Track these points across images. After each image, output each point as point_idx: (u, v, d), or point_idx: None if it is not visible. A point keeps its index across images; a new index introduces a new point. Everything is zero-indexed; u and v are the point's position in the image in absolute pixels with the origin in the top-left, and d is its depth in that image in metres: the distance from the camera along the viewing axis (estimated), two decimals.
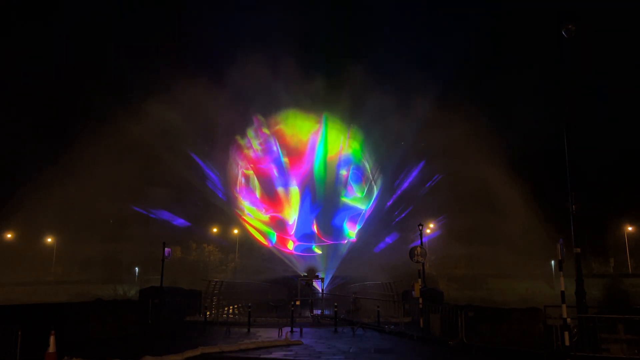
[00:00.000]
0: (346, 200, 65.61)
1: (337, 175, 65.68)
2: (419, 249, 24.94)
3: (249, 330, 22.13)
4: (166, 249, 26.13)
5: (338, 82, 64.17)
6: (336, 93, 64.00)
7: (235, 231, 66.91)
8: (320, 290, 38.54)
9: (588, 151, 57.61)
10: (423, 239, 27.31)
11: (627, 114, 67.61)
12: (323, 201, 64.17)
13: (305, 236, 63.57)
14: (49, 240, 68.25)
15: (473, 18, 74.58)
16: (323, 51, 68.72)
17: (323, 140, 65.47)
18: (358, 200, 66.17)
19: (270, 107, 65.57)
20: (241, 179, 65.82)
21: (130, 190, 58.37)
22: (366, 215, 65.86)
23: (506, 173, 57.02)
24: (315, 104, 64.59)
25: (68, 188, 56.03)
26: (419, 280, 23.98)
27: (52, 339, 12.98)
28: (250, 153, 66.00)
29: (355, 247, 63.79)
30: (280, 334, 19.75)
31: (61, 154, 57.10)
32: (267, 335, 20.16)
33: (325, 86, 63.24)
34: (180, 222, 62.08)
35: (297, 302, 30.03)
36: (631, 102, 68.20)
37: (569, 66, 17.02)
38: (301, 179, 64.57)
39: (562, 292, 14.42)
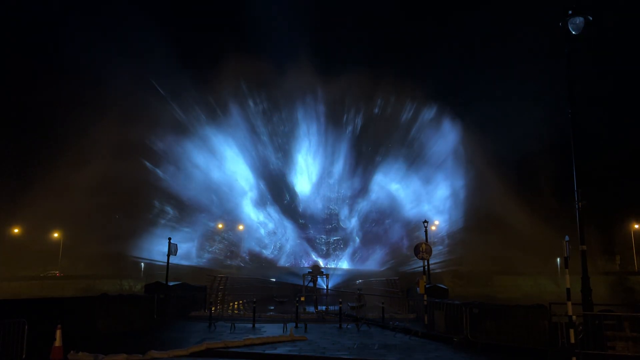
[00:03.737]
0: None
1: None
2: (424, 245, 24.91)
3: (253, 325, 22.17)
4: (172, 245, 26.27)
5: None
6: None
7: (241, 227, 67.09)
8: (325, 287, 38.65)
9: (595, 148, 57.41)
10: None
11: (635, 111, 67.23)
12: None
13: None
14: (56, 235, 68.65)
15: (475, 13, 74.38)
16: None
17: None
18: None
19: None
20: None
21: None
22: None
23: (512, 170, 56.95)
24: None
25: (73, 184, 56.40)
26: (424, 276, 23.99)
27: (58, 333, 13.07)
28: None
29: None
30: (285, 329, 19.79)
31: (66, 151, 57.54)
32: (272, 330, 20.22)
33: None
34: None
35: (302, 298, 30.12)
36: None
37: (575, 62, 16.88)
38: None
39: (568, 290, 14.35)
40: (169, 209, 61.63)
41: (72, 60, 65.17)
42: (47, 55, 71.18)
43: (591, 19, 15.53)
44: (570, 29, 15.79)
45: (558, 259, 53.53)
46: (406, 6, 77.08)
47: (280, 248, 66.79)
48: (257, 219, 67.39)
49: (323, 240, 67.61)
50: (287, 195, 68.63)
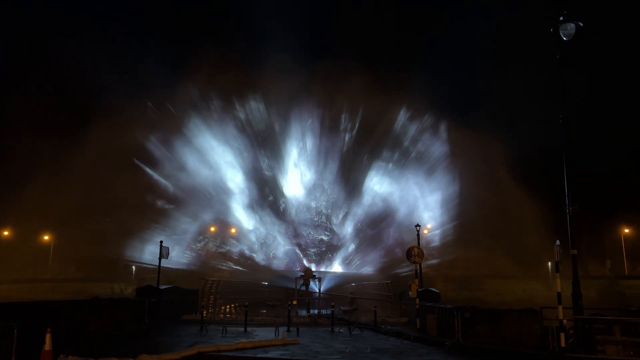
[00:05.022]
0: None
1: None
2: (416, 249, 24.98)
3: (245, 329, 22.10)
4: (164, 248, 26.16)
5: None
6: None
7: (233, 230, 66.85)
8: (317, 290, 38.59)
9: (586, 153, 57.88)
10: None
11: (626, 116, 67.87)
12: None
13: None
14: (46, 237, 68.11)
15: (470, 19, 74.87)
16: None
17: None
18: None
19: None
20: None
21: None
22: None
23: (504, 174, 57.25)
24: None
25: (65, 186, 56.00)
26: (416, 280, 24.04)
27: (48, 337, 12.93)
28: None
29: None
30: (277, 333, 19.73)
31: (58, 152, 57.17)
32: (264, 334, 20.16)
33: None
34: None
35: (294, 302, 30.06)
36: (631, 104, 68.46)
37: (566, 68, 17.03)
38: None
39: (559, 294, 14.45)
40: (160, 211, 61.27)
41: (61, 60, 64.79)
42: (37, 53, 70.79)
43: (582, 25, 15.68)
44: (562, 35, 15.93)
45: (549, 263, 53.78)
46: (401, 11, 77.26)
47: (272, 254, 66.56)
48: (247, 225, 67.14)
49: (315, 244, 67.47)
50: (278, 200, 68.47)
